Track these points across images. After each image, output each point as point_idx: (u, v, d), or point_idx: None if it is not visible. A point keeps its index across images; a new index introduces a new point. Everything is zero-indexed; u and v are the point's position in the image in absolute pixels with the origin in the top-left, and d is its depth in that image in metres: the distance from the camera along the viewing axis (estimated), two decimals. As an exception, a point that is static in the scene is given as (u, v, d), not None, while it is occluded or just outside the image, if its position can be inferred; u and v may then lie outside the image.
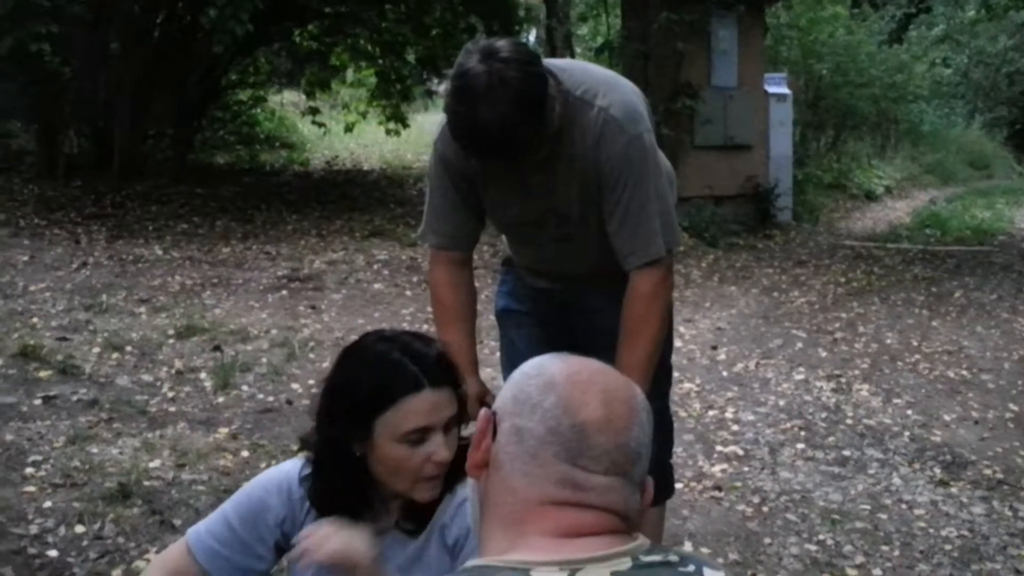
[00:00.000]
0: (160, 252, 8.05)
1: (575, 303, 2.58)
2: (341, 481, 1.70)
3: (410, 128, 13.52)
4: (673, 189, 2.49)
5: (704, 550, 3.49)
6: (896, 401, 5.35)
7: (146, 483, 3.76)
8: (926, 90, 19.60)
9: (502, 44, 2.07)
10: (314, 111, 13.31)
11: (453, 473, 1.71)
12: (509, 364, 2.72)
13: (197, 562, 1.77)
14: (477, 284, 2.55)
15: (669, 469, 2.76)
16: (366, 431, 1.64)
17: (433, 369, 1.66)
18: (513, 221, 2.49)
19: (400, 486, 1.67)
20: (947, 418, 5.09)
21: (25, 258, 7.46)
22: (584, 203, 2.34)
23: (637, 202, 2.28)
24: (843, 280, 9.07)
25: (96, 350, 5.42)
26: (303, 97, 14.73)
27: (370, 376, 1.65)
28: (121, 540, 3.34)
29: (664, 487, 2.74)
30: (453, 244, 2.45)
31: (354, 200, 11.25)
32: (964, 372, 6.00)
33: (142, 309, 6.37)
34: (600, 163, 2.26)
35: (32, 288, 6.64)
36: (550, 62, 2.29)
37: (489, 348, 4.81)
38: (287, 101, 16.81)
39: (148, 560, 3.20)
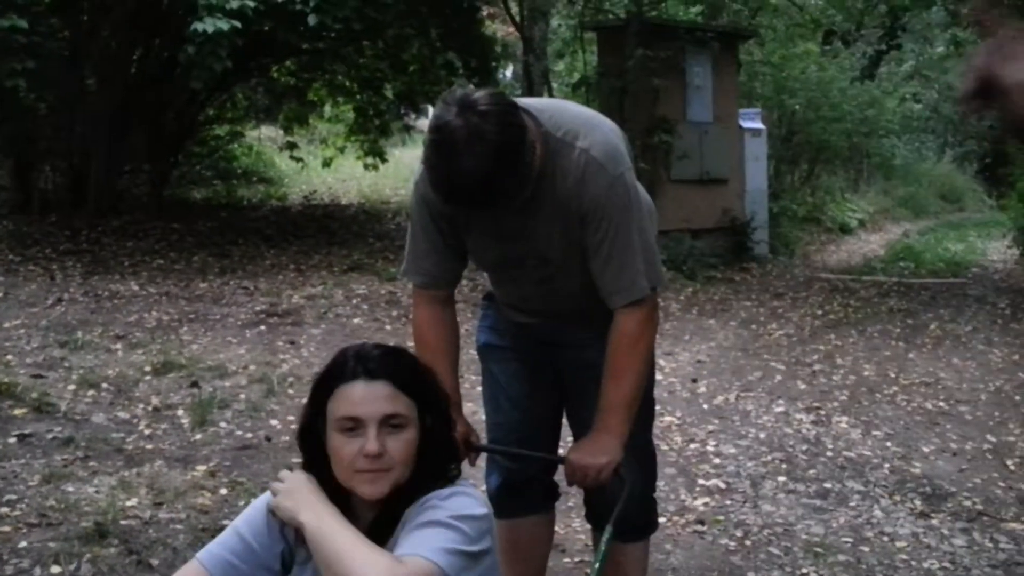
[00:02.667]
0: (136, 288, 7.99)
1: (558, 339, 2.58)
2: (315, 471, 1.79)
3: (388, 162, 13.54)
4: (654, 223, 2.50)
5: (688, 585, 3.47)
6: (875, 433, 5.37)
7: (123, 522, 3.71)
8: (897, 125, 19.84)
9: (479, 96, 2.07)
10: (292, 146, 13.31)
11: (415, 485, 1.76)
12: (491, 399, 2.71)
13: (202, 568, 1.80)
14: (458, 319, 2.55)
15: (652, 503, 2.75)
16: (323, 418, 1.77)
17: (370, 363, 1.76)
18: (494, 262, 2.50)
19: (342, 476, 1.75)
20: (926, 450, 5.11)
21: (-1, 294, 7.39)
22: (566, 244, 2.34)
23: (620, 242, 2.29)
24: (820, 312, 9.13)
25: (71, 387, 5.36)
26: (280, 132, 14.74)
27: (326, 366, 1.81)
28: (97, 581, 3.29)
29: (648, 522, 2.73)
30: (435, 283, 2.46)
31: (332, 235, 11.23)
32: (942, 404, 6.04)
33: (118, 345, 6.31)
34: (582, 204, 2.26)
35: (6, 325, 6.57)
36: (528, 102, 2.29)
37: (469, 383, 4.79)
38: (264, 136, 16.81)
39: (125, 601, 3.16)
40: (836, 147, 17.65)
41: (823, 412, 5.74)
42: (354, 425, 1.72)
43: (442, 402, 1.87)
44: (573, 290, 2.42)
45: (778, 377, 6.60)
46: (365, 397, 1.73)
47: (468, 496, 1.76)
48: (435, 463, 1.80)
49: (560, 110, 2.34)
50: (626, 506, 2.29)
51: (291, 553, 1.83)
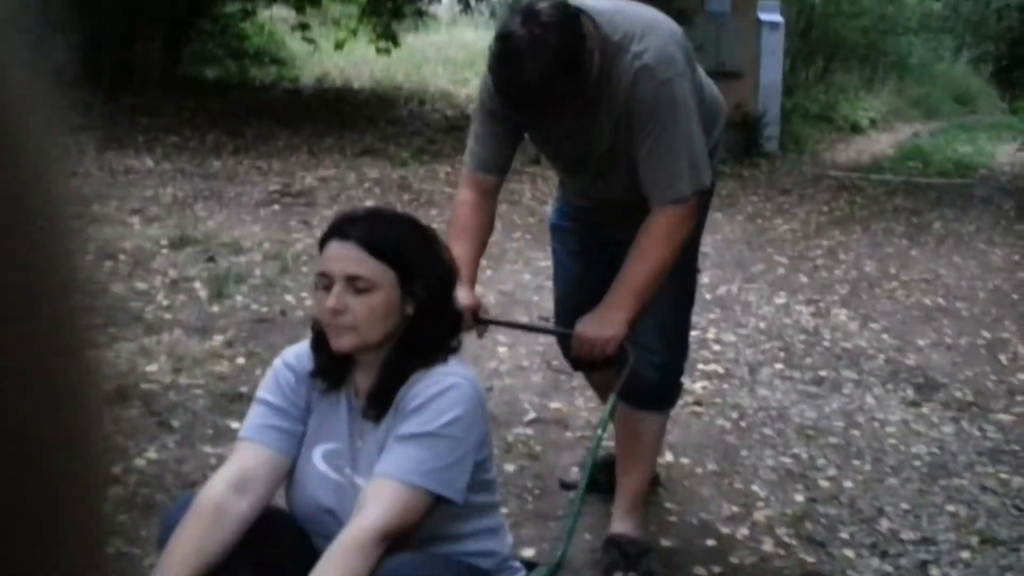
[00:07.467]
0: (151, 164, 8.06)
1: (613, 228, 2.75)
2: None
3: (400, 47, 13.41)
4: (721, 120, 2.63)
5: (684, 461, 3.64)
6: (872, 325, 5.50)
7: (144, 386, 3.86)
8: (915, 23, 19.53)
9: (543, 7, 2.25)
10: (304, 27, 13.16)
11: (407, 360, 1.86)
12: (554, 275, 3.03)
13: (253, 443, 1.91)
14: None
15: (677, 381, 2.94)
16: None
17: (345, 226, 1.86)
18: (554, 157, 2.76)
19: (326, 330, 1.87)
20: (921, 343, 5.25)
21: (15, 166, 7.46)
22: (617, 144, 2.48)
23: (665, 144, 2.41)
24: (826, 209, 9.19)
25: (88, 257, 5.46)
26: (292, 12, 14.53)
27: None
28: (120, 439, 3.44)
29: (667, 395, 2.91)
30: (485, 167, 2.60)
31: (345, 118, 11.23)
32: (940, 300, 6.16)
33: (135, 219, 6.42)
34: (630, 106, 2.40)
35: (24, 196, 6.66)
36: (591, 5, 2.40)
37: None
38: (276, 16, 16.58)
39: (149, 459, 3.33)
40: (853, 44, 17.43)
41: (823, 304, 5.86)
42: (327, 282, 1.84)
43: (440, 276, 1.92)
44: (626, 186, 2.57)
45: (781, 270, 6.71)
46: (334, 256, 1.84)
47: (457, 389, 1.82)
48: (429, 333, 1.88)
49: (621, 12, 2.45)
50: (640, 378, 2.47)
51: (307, 404, 1.96)
